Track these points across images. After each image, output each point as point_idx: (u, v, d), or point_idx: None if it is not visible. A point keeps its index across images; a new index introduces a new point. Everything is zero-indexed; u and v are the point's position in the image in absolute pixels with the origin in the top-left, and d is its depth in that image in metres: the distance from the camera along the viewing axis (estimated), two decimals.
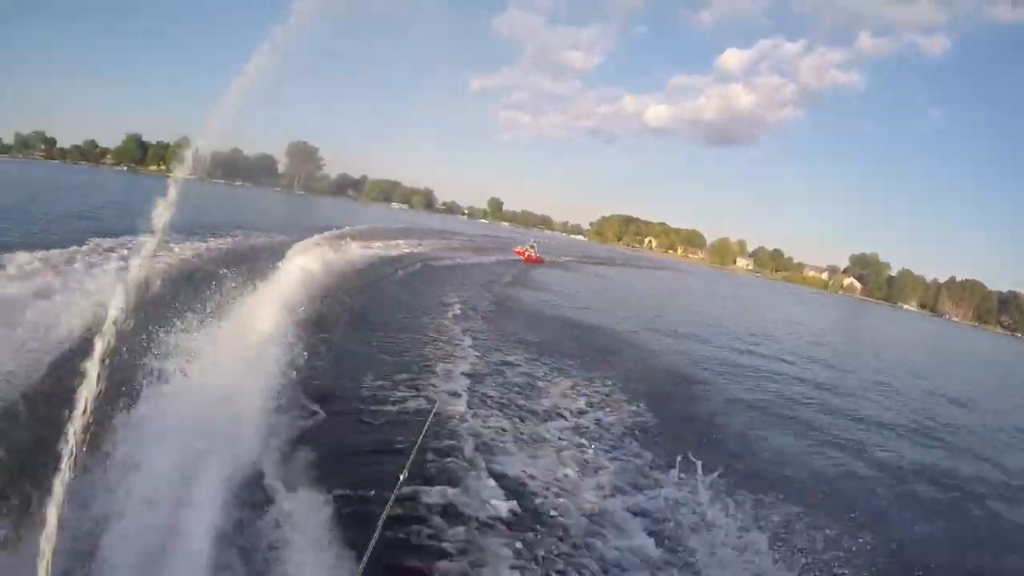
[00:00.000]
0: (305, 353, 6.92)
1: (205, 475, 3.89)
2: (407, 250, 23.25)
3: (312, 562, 3.71)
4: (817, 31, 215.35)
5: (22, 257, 7.58)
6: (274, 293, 8.18)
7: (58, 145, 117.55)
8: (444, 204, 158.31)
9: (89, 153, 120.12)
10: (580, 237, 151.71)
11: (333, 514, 4.21)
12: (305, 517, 4.14)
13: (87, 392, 2.74)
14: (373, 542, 2.49)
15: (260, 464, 4.54)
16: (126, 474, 3.64)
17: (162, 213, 2.97)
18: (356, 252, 17.14)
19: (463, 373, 8.75)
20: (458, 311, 13.90)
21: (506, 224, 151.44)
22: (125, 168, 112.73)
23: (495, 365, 9.79)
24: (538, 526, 4.91)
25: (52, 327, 5.49)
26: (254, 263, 10.53)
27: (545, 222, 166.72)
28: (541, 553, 4.53)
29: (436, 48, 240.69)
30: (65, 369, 4.49)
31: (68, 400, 2.83)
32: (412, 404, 7.01)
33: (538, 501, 5.35)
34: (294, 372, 6.30)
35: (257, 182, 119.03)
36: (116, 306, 3.19)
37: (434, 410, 6.27)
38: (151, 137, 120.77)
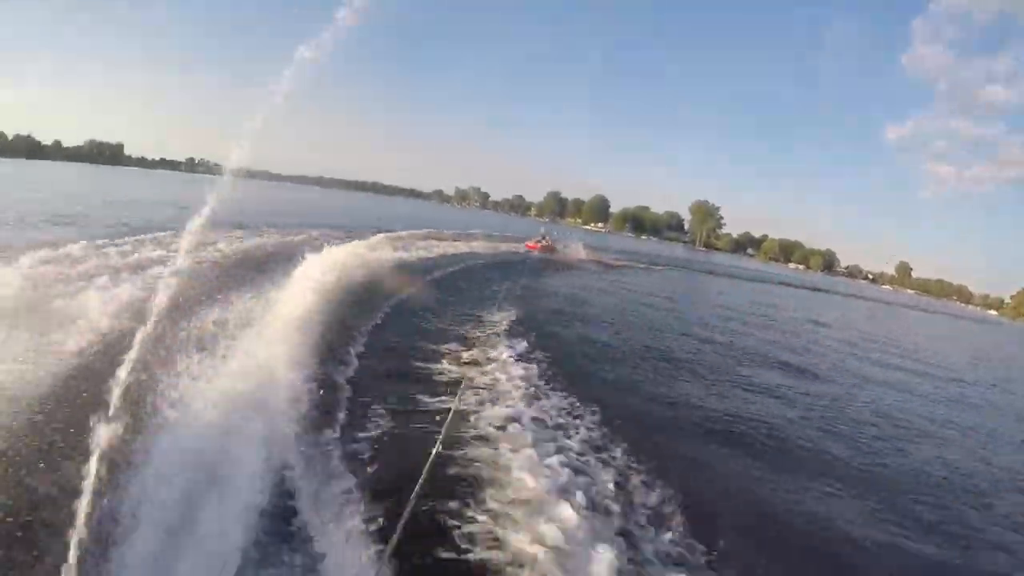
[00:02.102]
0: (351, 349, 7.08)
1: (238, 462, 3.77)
2: None
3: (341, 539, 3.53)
4: None
5: None
6: (308, 287, 8.11)
7: (491, 199, 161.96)
8: (846, 268, 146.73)
9: (517, 206, 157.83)
10: (993, 312, 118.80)
11: (363, 496, 3.98)
12: (335, 498, 3.95)
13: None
14: (404, 519, 2.62)
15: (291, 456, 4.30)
16: (153, 462, 3.50)
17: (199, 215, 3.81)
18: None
19: None
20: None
21: (911, 292, 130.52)
22: (547, 219, 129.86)
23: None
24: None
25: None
26: None
27: (961, 293, 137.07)
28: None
29: (844, 94, 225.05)
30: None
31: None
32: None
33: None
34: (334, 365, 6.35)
35: (661, 236, 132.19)
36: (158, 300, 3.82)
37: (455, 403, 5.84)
38: (568, 194, 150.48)
